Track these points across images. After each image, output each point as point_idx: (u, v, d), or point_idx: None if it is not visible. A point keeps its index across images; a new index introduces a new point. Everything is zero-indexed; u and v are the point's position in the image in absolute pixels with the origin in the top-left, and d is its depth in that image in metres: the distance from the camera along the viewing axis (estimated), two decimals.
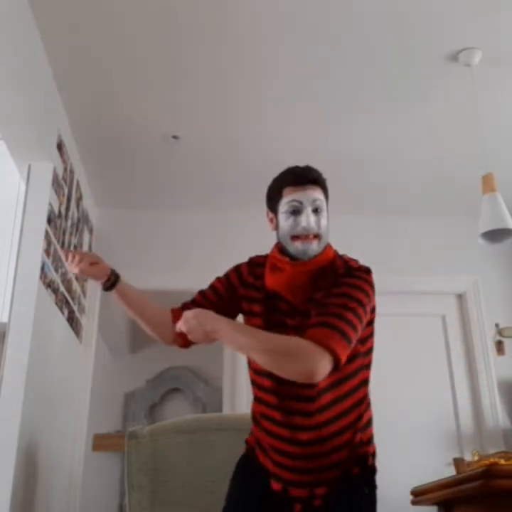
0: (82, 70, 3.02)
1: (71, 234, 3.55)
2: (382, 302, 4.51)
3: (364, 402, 1.74)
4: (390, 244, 4.42)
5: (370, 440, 1.75)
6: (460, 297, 4.45)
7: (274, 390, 1.70)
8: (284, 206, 1.74)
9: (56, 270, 3.20)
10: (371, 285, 1.73)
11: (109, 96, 3.23)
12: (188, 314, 1.58)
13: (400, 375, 4.17)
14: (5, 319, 2.81)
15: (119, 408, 5.72)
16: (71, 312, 3.59)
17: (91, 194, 4.14)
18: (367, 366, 1.76)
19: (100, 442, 4.38)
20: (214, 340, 1.57)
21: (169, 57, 2.94)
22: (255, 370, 1.76)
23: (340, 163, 3.86)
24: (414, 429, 4.05)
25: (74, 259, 1.84)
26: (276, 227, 1.78)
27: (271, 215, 1.81)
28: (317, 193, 1.74)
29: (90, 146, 3.66)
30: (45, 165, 3.03)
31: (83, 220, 3.89)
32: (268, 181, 1.86)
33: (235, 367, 4.09)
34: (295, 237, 1.72)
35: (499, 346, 4.25)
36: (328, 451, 1.66)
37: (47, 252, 3.01)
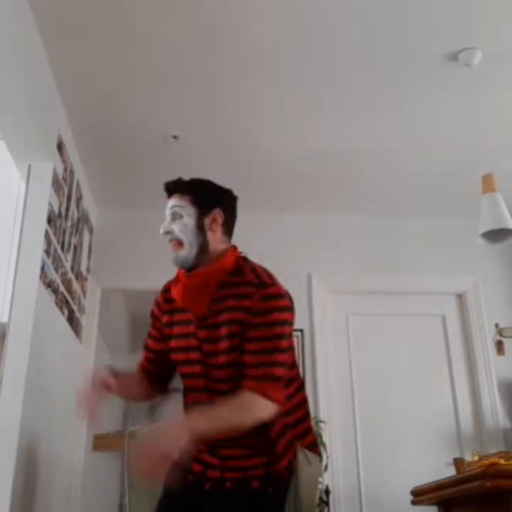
0: (83, 70, 3.02)
1: (71, 234, 3.55)
2: (382, 302, 4.55)
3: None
4: (390, 244, 4.42)
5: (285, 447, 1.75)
6: (460, 297, 4.45)
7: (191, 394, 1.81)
8: None
9: (56, 270, 3.20)
10: (287, 308, 1.71)
11: (109, 96, 3.23)
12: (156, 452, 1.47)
13: (400, 375, 4.17)
14: (5, 319, 2.82)
15: (119, 408, 5.72)
16: (71, 312, 3.59)
17: (91, 194, 4.14)
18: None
19: (100, 442, 4.38)
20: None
21: (169, 57, 2.94)
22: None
23: (339, 162, 3.86)
24: (414, 429, 4.05)
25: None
26: None
27: None
28: (175, 201, 1.78)
29: (90, 146, 3.66)
30: (45, 165, 3.04)
31: (83, 220, 3.89)
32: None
33: None
34: (170, 244, 1.78)
35: (499, 346, 4.25)
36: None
37: (47, 252, 3.01)
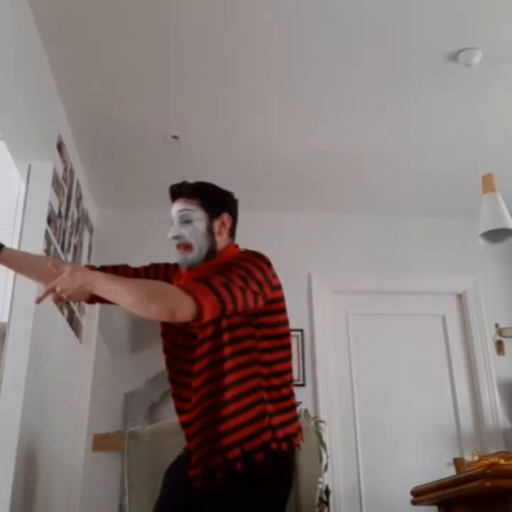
0: (83, 71, 3.02)
1: (71, 234, 3.55)
2: (382, 302, 4.55)
3: (254, 394, 1.66)
4: (390, 244, 4.42)
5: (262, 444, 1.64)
6: (460, 297, 4.45)
7: (168, 364, 1.81)
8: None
9: None
10: (265, 261, 1.73)
11: (109, 96, 3.23)
12: (66, 270, 1.50)
13: (400, 375, 4.17)
14: (5, 319, 2.82)
15: (119, 408, 5.71)
16: (71, 312, 3.59)
17: (91, 194, 4.14)
18: (266, 363, 1.71)
19: (100, 442, 4.37)
20: (86, 292, 1.51)
21: (169, 57, 2.94)
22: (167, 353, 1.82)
23: (339, 162, 3.86)
24: (414, 429, 4.05)
25: None
26: None
27: None
28: (182, 205, 1.79)
29: (90, 146, 3.66)
30: (45, 165, 3.04)
31: (83, 220, 3.89)
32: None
33: None
34: (177, 248, 1.80)
35: (499, 346, 4.25)
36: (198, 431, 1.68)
37: (47, 252, 3.01)
